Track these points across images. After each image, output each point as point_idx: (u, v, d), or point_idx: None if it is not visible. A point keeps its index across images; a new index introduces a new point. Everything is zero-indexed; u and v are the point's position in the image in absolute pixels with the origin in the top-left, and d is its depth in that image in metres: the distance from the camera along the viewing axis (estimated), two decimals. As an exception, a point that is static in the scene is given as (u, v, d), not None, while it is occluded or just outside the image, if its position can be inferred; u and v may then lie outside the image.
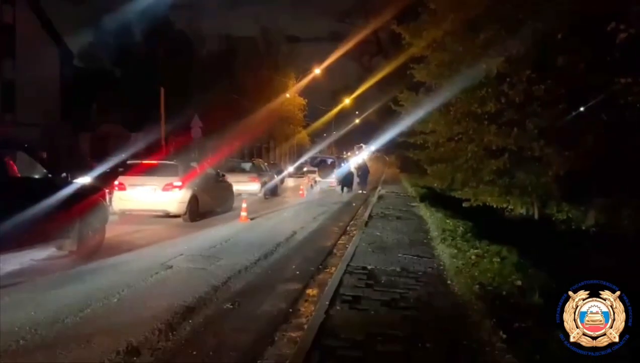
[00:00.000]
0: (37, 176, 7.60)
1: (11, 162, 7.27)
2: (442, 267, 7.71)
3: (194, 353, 4.44)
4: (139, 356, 4.32)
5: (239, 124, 32.64)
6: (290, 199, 20.51)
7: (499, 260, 7.49)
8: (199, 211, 12.76)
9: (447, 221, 11.99)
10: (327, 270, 7.84)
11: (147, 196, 12.12)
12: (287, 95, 42.92)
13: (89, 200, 8.23)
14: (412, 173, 30.33)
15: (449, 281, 6.85)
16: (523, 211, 14.46)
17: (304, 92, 46.64)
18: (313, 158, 35.07)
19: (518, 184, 13.23)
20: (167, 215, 12.24)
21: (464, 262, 7.54)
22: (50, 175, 7.59)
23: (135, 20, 34.61)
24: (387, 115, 28.84)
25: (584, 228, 13.06)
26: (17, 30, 25.06)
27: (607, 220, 12.54)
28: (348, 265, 7.62)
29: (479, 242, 9.05)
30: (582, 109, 12.23)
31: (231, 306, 5.82)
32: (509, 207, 14.67)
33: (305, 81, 43.26)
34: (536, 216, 13.97)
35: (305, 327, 5.08)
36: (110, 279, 6.78)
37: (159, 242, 9.84)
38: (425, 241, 10.27)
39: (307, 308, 5.86)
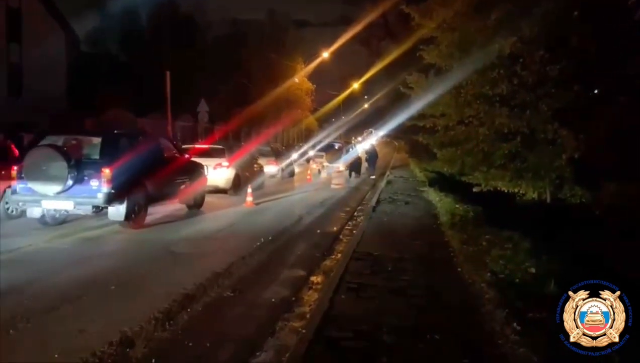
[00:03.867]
0: (172, 157, 10.84)
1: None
2: (452, 254, 7.45)
3: (190, 344, 4.23)
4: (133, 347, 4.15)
5: (245, 108, 32.42)
6: (297, 184, 20.28)
7: (511, 246, 7.23)
8: (240, 186, 14.61)
9: (457, 206, 11.71)
10: (333, 256, 7.61)
11: None
12: (296, 80, 42.46)
13: (199, 172, 11.88)
14: (422, 158, 29.95)
15: (459, 268, 6.58)
16: (535, 195, 14.09)
17: (312, 78, 46.14)
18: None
19: (530, 168, 12.85)
20: (217, 190, 13.86)
21: (475, 248, 7.28)
22: (177, 155, 11.11)
23: (141, 4, 34.31)
24: (397, 99, 28.40)
25: (597, 213, 12.70)
26: (23, 14, 24.83)
27: (622, 205, 12.17)
28: (354, 251, 7.40)
29: (490, 228, 8.77)
30: (597, 90, 11.81)
31: (232, 294, 5.62)
32: (521, 192, 14.31)
33: (313, 65, 42.70)
34: (548, 201, 13.61)
35: (308, 316, 4.87)
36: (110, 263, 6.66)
37: (163, 224, 9.97)
38: (434, 226, 10.02)
39: (311, 296, 5.64)
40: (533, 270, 5.87)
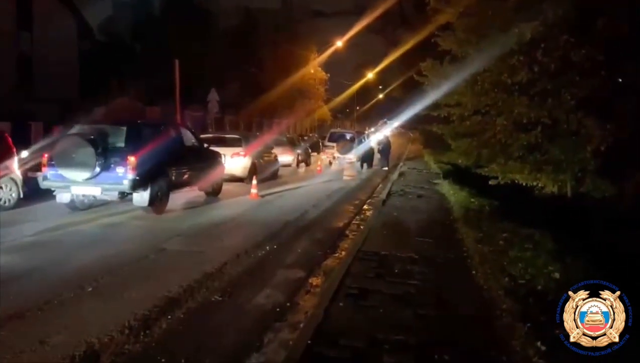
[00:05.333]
0: (192, 145, 11.32)
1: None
2: (465, 254, 6.82)
3: (163, 360, 3.70)
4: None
5: (257, 98, 31.91)
6: (307, 175, 19.70)
7: (531, 246, 6.58)
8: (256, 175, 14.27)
9: (472, 200, 11.05)
10: (336, 254, 7.03)
11: None
12: (312, 70, 41.78)
13: (217, 161, 12.26)
14: (436, 149, 29.17)
15: (473, 271, 5.96)
16: (555, 189, 13.35)
17: (326, 67, 45.43)
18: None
19: (551, 160, 12.11)
20: (233, 178, 14.01)
21: (491, 248, 6.64)
22: (196, 145, 11.52)
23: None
24: (412, 90, 27.63)
25: (623, 208, 11.93)
26: (33, 3, 24.53)
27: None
28: (358, 251, 6.81)
29: (508, 224, 8.12)
30: (625, 76, 11.00)
31: (220, 298, 5.09)
32: (539, 185, 13.58)
33: (326, 54, 41.98)
34: (569, 195, 12.86)
35: (302, 326, 4.31)
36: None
37: (182, 211, 10.20)
38: (447, 222, 9.39)
39: (307, 302, 5.08)
40: (557, 275, 5.23)
